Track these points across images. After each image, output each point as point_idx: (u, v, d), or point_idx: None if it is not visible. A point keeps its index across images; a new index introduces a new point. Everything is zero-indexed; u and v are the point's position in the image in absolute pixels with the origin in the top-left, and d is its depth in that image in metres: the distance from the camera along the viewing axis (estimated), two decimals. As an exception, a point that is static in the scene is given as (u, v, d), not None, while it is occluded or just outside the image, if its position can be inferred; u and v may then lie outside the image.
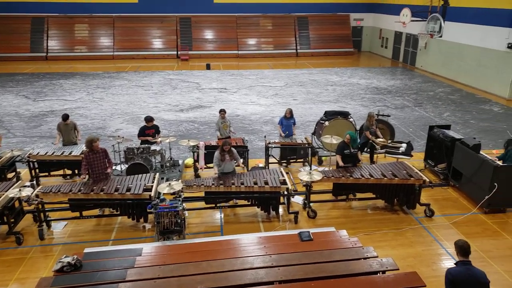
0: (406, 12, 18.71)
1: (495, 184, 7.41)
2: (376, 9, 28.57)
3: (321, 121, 10.55)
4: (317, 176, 7.39)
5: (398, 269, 5.03)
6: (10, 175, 8.78)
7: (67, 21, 26.98)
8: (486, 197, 7.55)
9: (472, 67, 18.56)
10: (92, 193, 6.99)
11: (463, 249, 4.44)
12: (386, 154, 9.73)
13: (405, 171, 7.77)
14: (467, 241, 4.48)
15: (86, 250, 5.39)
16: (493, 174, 7.43)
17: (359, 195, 8.13)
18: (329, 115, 10.55)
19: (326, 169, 8.93)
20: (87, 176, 7.54)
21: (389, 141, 10.06)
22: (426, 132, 10.11)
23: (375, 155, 9.80)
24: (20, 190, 6.83)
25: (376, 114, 10.61)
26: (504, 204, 7.74)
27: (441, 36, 16.25)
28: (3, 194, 6.83)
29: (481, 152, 8.12)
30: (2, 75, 21.10)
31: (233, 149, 7.94)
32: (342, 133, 9.30)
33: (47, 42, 26.49)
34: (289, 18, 28.70)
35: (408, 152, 9.52)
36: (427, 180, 7.61)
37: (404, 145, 9.72)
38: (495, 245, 6.78)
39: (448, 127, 9.59)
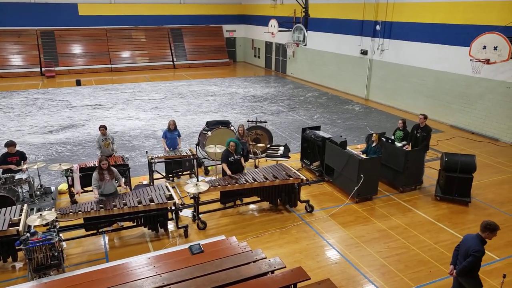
0: (273, 23, 20.09)
1: (361, 175, 8.42)
2: (247, 21, 30.13)
3: (203, 132, 10.66)
4: (203, 187, 7.43)
5: (285, 267, 5.36)
6: None
7: None
8: (355, 188, 8.53)
9: (334, 72, 20.90)
10: None
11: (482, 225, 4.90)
12: (267, 158, 10.29)
13: (285, 172, 8.32)
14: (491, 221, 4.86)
15: None
16: (359, 167, 8.44)
17: (245, 200, 8.43)
18: (211, 125, 10.72)
19: (213, 178, 9.05)
20: None
21: (268, 145, 10.67)
22: (300, 134, 10.97)
23: (257, 160, 10.27)
24: None
25: (254, 121, 11.16)
26: (370, 193, 8.83)
27: (305, 45, 17.89)
28: None
29: (347, 148, 9.14)
30: None
31: (113, 168, 7.49)
32: (225, 142, 9.55)
33: None
34: (163, 30, 28.38)
35: (285, 154, 10.22)
36: (305, 178, 8.26)
37: (282, 148, 10.43)
38: (366, 230, 7.68)
39: (318, 128, 10.57)
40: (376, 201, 8.87)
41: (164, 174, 9.65)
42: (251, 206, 8.58)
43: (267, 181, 7.98)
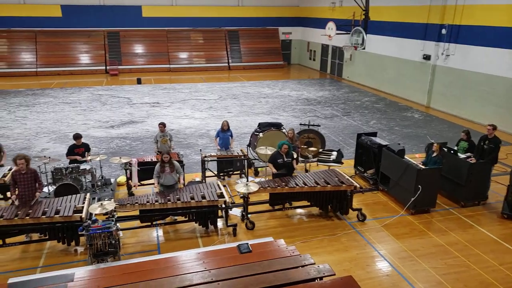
0: (331, 25, 19.80)
1: (419, 186, 7.99)
2: (304, 23, 29.96)
3: (255, 133, 10.72)
4: (253, 187, 7.47)
5: (334, 274, 5.21)
6: None
7: (-18, 36, 24.81)
8: (412, 199, 8.12)
9: (393, 77, 20.14)
10: (16, 218, 6.45)
11: None
12: (318, 163, 10.12)
13: (337, 178, 8.13)
14: None
15: (11, 280, 4.94)
16: (417, 177, 8.01)
17: (294, 204, 8.35)
18: (263, 127, 10.76)
19: (263, 179, 9.06)
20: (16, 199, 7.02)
21: (320, 150, 10.50)
22: (354, 140, 10.67)
23: (308, 164, 10.14)
24: None
25: (307, 125, 11.04)
26: (428, 205, 8.37)
27: (364, 48, 17.45)
28: None
29: (405, 156, 8.75)
30: None
31: (175, 162, 7.80)
32: (276, 144, 9.54)
33: (-42, 58, 24.11)
34: (220, 32, 29.01)
35: (338, 160, 9.99)
36: (358, 186, 8.01)
37: (335, 153, 10.20)
38: (421, 244, 7.28)
39: (374, 134, 10.22)
40: (433, 214, 8.39)
41: (215, 173, 9.82)
42: (300, 210, 8.47)
43: (318, 186, 7.84)
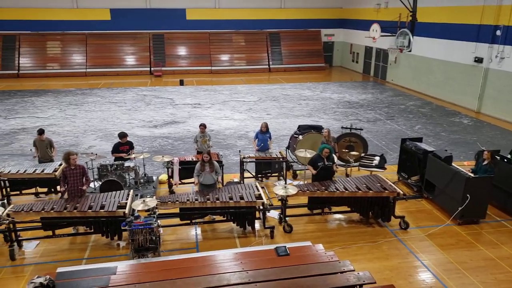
0: (375, 27, 19.27)
1: (468, 195, 7.57)
2: (347, 25, 29.44)
3: (295, 135, 10.62)
4: (292, 190, 7.40)
5: (375, 283, 5.03)
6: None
7: (39, 39, 26.40)
8: (459, 208, 7.71)
9: (441, 81, 19.29)
10: (65, 211, 6.80)
11: None
12: (360, 167, 9.86)
13: (379, 184, 7.88)
14: None
15: (59, 269, 5.17)
16: (466, 186, 7.60)
17: (334, 209, 8.17)
18: (303, 129, 10.64)
19: (301, 183, 8.95)
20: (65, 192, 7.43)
21: (362, 154, 10.22)
22: (398, 145, 10.32)
23: (349, 169, 9.90)
24: (-10, 210, 6.56)
25: (349, 128, 10.79)
26: (477, 215, 7.91)
27: (410, 51, 16.78)
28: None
29: (453, 164, 8.33)
30: (-30, 93, 20.36)
31: (215, 162, 7.90)
32: (316, 147, 9.40)
33: (19, 60, 25.82)
34: (261, 34, 29.12)
35: (381, 165, 9.68)
36: (401, 192, 7.73)
37: (378, 158, 9.90)
38: (469, 257, 6.89)
39: (420, 139, 9.83)
40: (483, 225, 7.92)
41: (253, 174, 9.83)
42: (340, 215, 8.28)
43: (360, 191, 7.63)
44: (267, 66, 28.53)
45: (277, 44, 29.11)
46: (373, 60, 26.01)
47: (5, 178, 8.50)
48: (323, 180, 8.02)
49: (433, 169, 8.61)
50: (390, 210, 7.75)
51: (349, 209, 7.93)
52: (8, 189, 8.64)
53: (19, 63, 25.79)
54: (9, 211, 6.75)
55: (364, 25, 24.90)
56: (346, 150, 10.07)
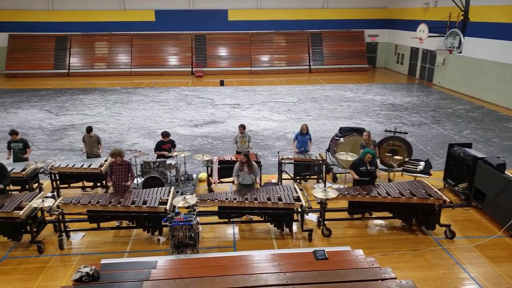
0: (423, 27, 18.58)
1: (522, 205, 7.12)
2: (392, 25, 28.57)
3: (336, 138, 10.42)
4: (332, 194, 7.26)
5: (418, 292, 4.83)
6: (33, 186, 8.98)
7: (88, 39, 27.75)
8: (512, 219, 7.26)
9: (494, 83, 18.21)
10: (109, 205, 7.05)
11: None
12: (404, 173, 9.51)
13: (424, 190, 7.56)
14: None
15: (103, 261, 5.38)
16: (520, 196, 7.15)
17: (375, 214, 7.93)
18: (344, 132, 10.42)
19: (341, 186, 8.77)
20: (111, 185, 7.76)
21: (407, 159, 9.85)
22: (445, 150, 9.88)
23: (391, 173, 9.58)
24: (42, 200, 6.97)
25: (393, 131, 10.44)
26: (531, 227, 7.42)
27: (460, 52, 15.98)
28: (28, 204, 7.00)
29: (506, 172, 7.84)
30: (28, 91, 21.75)
31: (253, 162, 7.93)
32: (357, 150, 9.17)
33: (69, 60, 27.26)
34: (303, 35, 28.89)
35: (426, 171, 9.28)
36: (448, 200, 7.38)
37: (423, 163, 9.49)
38: (523, 271, 6.48)
39: (469, 145, 9.34)
40: (539, 238, 7.40)
41: (292, 176, 9.75)
42: (381, 221, 8.02)
43: (403, 197, 7.35)
44: (307, 67, 28.28)
45: (318, 44, 28.78)
46: (419, 62, 25.07)
47: (56, 172, 8.97)
48: (365, 185, 7.81)
49: (484, 177, 8.14)
50: (435, 218, 7.40)
51: (391, 215, 7.67)
52: (58, 182, 9.11)
53: (69, 63, 27.20)
54: (59, 203, 7.10)
55: (411, 25, 24.07)
56: (389, 154, 9.73)
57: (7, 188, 8.00)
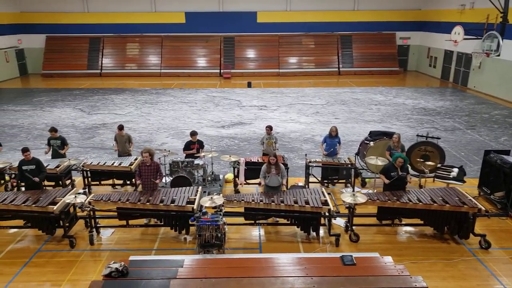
0: (458, 30, 17.97)
1: None
2: (425, 27, 27.81)
3: (365, 141, 10.22)
4: (361, 199, 7.11)
5: (451, 303, 4.65)
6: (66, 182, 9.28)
7: (120, 41, 28.51)
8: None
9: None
10: (138, 203, 7.18)
11: None
12: (436, 179, 9.21)
13: (458, 197, 7.29)
14: None
15: (132, 257, 5.48)
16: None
17: (405, 221, 7.70)
18: (374, 136, 10.20)
19: (370, 191, 8.58)
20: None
21: (439, 165, 9.54)
22: (480, 157, 9.52)
23: (423, 179, 9.30)
24: (75, 196, 7.21)
25: (425, 136, 10.13)
26: None
27: (498, 55, 15.32)
28: (61, 199, 7.23)
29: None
30: (62, 90, 22.60)
31: (281, 164, 7.87)
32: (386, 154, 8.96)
33: (102, 60, 28.09)
34: (332, 37, 28.58)
35: (460, 178, 8.95)
36: (483, 208, 7.07)
37: (456, 169, 9.17)
38: (562, 285, 6.13)
39: (507, 152, 8.94)
40: None
41: (319, 179, 9.62)
42: (411, 228, 7.79)
43: (435, 204, 7.11)
44: (336, 69, 27.94)
45: (348, 46, 28.39)
46: (453, 65, 24.28)
47: (88, 169, 9.23)
48: (395, 190, 7.61)
49: (522, 186, 7.77)
50: (469, 227, 7.12)
51: (421, 222, 7.43)
52: (89, 179, 9.37)
53: (102, 63, 28.02)
54: (90, 199, 7.29)
55: (445, 27, 23.35)
56: (421, 160, 9.45)
57: (42, 183, 8.29)
